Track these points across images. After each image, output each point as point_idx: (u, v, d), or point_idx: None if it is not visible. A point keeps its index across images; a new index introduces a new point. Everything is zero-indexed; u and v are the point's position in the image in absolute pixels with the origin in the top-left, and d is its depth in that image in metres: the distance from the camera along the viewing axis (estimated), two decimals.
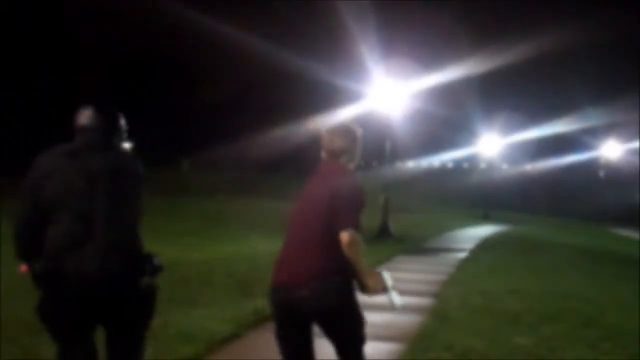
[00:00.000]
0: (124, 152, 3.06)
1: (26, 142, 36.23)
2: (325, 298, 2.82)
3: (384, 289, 2.98)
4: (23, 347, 4.43)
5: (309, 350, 2.99)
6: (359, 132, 3.13)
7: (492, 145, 40.32)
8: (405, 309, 3.73)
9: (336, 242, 2.81)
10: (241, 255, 9.36)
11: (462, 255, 13.37)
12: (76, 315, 2.75)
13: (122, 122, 3.08)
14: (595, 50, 61.15)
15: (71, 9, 40.79)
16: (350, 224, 2.79)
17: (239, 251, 10.28)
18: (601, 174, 58.29)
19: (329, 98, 40.14)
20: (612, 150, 52.22)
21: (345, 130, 3.09)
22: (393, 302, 2.98)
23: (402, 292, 5.11)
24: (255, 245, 11.35)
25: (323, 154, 3.08)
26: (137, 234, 2.94)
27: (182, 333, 4.98)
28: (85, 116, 2.98)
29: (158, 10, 36.82)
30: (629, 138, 50.23)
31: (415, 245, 14.83)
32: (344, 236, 2.78)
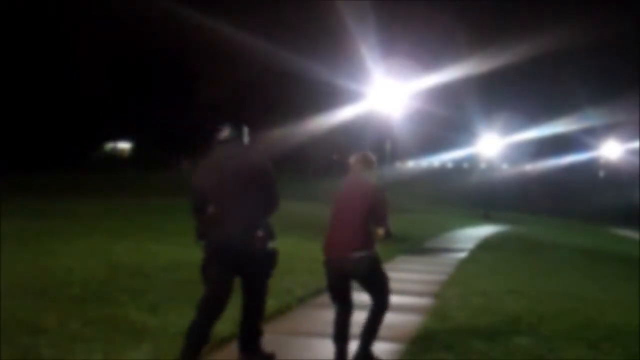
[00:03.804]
0: (250, 155, 4.35)
1: (26, 142, 36.26)
2: (363, 264, 4.37)
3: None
4: (23, 347, 4.43)
5: (348, 294, 4.54)
6: (375, 158, 4.75)
7: (492, 145, 40.32)
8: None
9: (370, 228, 4.42)
10: None
11: (462, 255, 13.35)
12: (217, 266, 4.18)
13: (246, 132, 4.44)
14: (595, 50, 61.12)
15: (71, 7, 40.78)
16: (385, 223, 4.46)
17: None
18: (601, 174, 58.30)
19: (329, 98, 40.17)
20: (612, 150, 52.23)
21: (368, 159, 4.70)
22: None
23: (402, 292, 5.15)
24: None
25: (352, 173, 4.64)
26: (259, 211, 4.24)
27: (182, 333, 4.97)
28: (222, 132, 4.38)
29: (158, 10, 36.81)
30: (629, 138, 50.28)
31: (415, 245, 14.81)
32: (381, 230, 4.45)
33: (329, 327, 4.60)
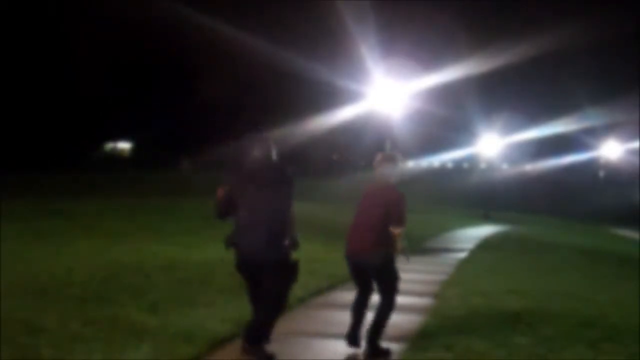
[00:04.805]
0: (278, 167, 4.68)
1: (26, 142, 36.25)
2: (377, 261, 4.78)
3: (404, 250, 4.92)
4: (23, 347, 4.43)
5: (369, 282, 4.93)
6: (400, 158, 5.13)
7: (492, 145, 40.30)
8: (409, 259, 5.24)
9: (386, 228, 4.76)
10: None
11: (462, 255, 13.37)
12: (246, 269, 4.56)
13: (274, 148, 4.73)
14: (595, 50, 60.97)
15: (71, 7, 40.74)
16: (401, 224, 4.79)
17: None
18: (601, 174, 58.27)
19: (329, 98, 40.12)
20: (612, 150, 52.20)
21: (391, 156, 5.12)
22: (406, 256, 5.03)
23: (402, 292, 5.16)
24: None
25: (376, 173, 4.99)
26: (286, 219, 4.57)
27: (182, 333, 4.98)
28: (253, 152, 4.67)
29: (158, 10, 36.76)
30: (629, 138, 50.23)
31: (415, 245, 14.81)
32: (396, 230, 4.77)
33: (329, 327, 4.62)
